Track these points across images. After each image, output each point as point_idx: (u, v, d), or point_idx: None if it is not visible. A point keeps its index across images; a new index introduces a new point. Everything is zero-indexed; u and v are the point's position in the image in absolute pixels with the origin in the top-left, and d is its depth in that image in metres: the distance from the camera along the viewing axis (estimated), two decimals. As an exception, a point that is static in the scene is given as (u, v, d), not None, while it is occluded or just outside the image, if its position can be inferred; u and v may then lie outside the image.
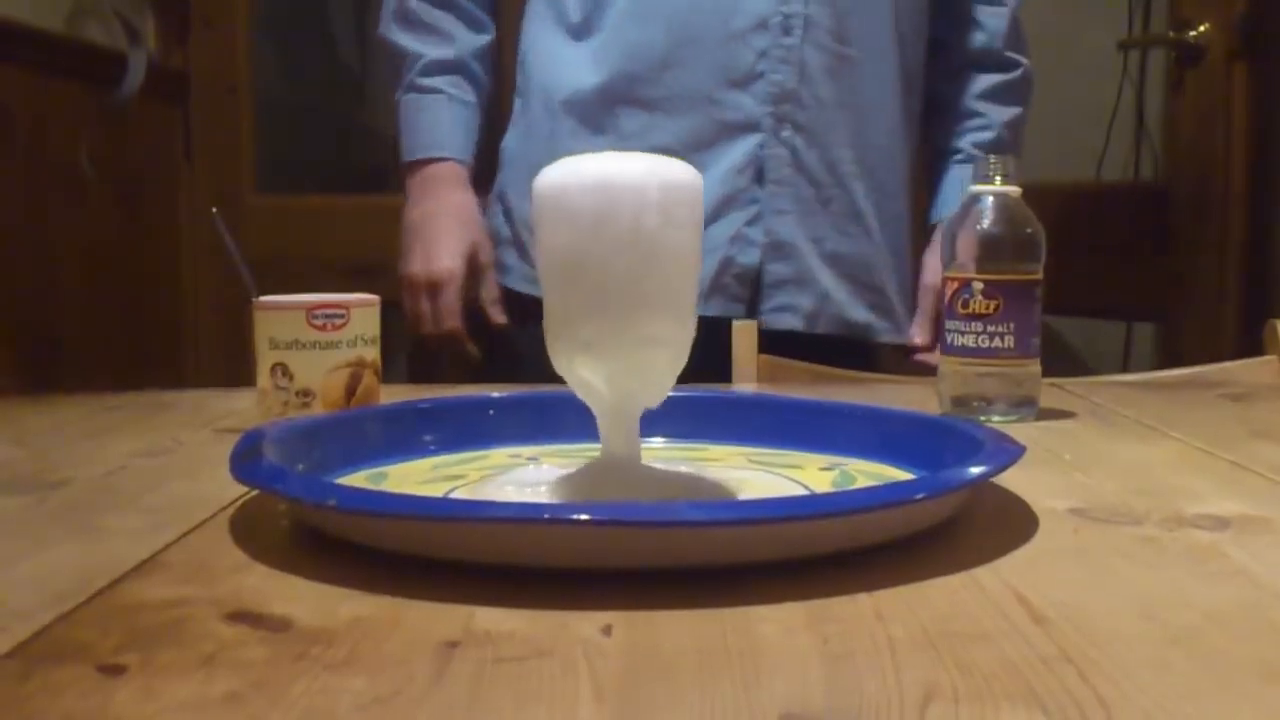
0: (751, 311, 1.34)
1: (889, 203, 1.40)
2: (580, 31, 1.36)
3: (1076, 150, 2.40)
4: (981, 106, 1.48)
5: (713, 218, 1.30)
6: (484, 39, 1.47)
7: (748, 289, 1.34)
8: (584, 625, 0.47)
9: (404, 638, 0.46)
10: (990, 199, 0.96)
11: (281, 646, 0.45)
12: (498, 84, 1.52)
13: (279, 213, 2.27)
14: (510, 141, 1.45)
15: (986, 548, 0.57)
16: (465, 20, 1.45)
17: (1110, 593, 0.52)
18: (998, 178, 0.96)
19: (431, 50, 1.43)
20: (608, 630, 0.46)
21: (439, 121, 1.42)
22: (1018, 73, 1.50)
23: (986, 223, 0.95)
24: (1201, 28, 2.08)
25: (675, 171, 0.64)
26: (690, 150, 1.29)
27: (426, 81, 1.43)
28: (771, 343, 1.28)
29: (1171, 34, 2.16)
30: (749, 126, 1.32)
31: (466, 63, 1.44)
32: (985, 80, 1.49)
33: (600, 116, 1.34)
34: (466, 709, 0.40)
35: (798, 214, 1.33)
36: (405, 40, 1.44)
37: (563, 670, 0.42)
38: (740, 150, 1.32)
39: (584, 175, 0.64)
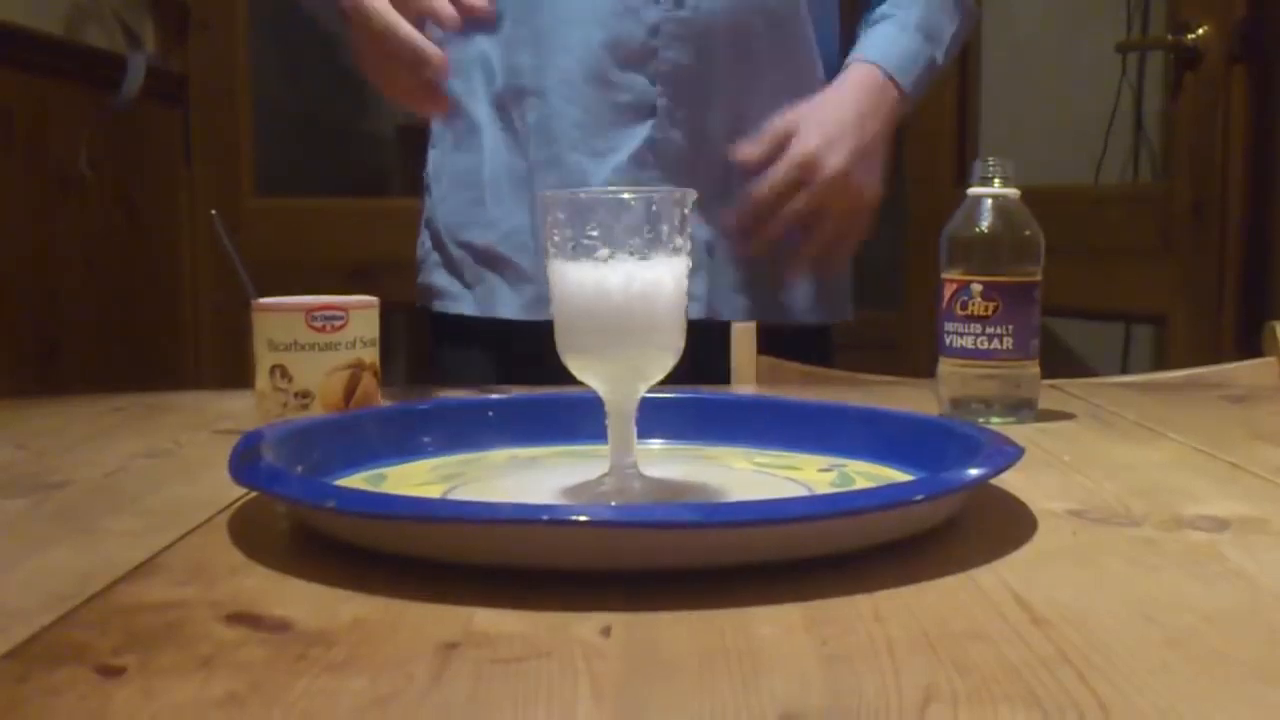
0: None
1: None
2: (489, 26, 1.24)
3: (1075, 153, 2.40)
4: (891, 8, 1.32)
5: None
6: None
7: None
8: (583, 626, 0.47)
9: (403, 639, 0.46)
10: (989, 201, 0.96)
11: (280, 648, 0.45)
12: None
13: (278, 215, 2.27)
14: (436, 159, 1.35)
15: (985, 549, 0.57)
16: None
17: (1109, 594, 0.52)
18: (996, 180, 0.96)
19: None
20: (606, 631, 0.46)
21: None
22: None
23: (985, 225, 0.95)
24: (1200, 30, 2.09)
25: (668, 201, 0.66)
26: (588, 137, 1.22)
27: None
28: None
29: (1170, 37, 2.16)
30: (644, 110, 1.23)
31: None
32: None
33: (510, 110, 1.26)
34: (466, 710, 0.40)
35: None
36: None
37: (561, 671, 0.42)
38: (638, 137, 1.23)
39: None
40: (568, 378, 0.69)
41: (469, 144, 1.29)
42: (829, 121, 1.21)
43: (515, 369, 1.12)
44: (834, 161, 1.20)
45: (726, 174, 1.25)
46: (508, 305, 1.27)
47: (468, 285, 1.30)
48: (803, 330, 1.33)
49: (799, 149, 1.19)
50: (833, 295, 1.35)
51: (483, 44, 1.23)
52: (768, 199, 1.20)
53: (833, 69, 1.35)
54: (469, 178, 1.29)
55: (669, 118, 1.23)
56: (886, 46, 1.27)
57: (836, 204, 1.22)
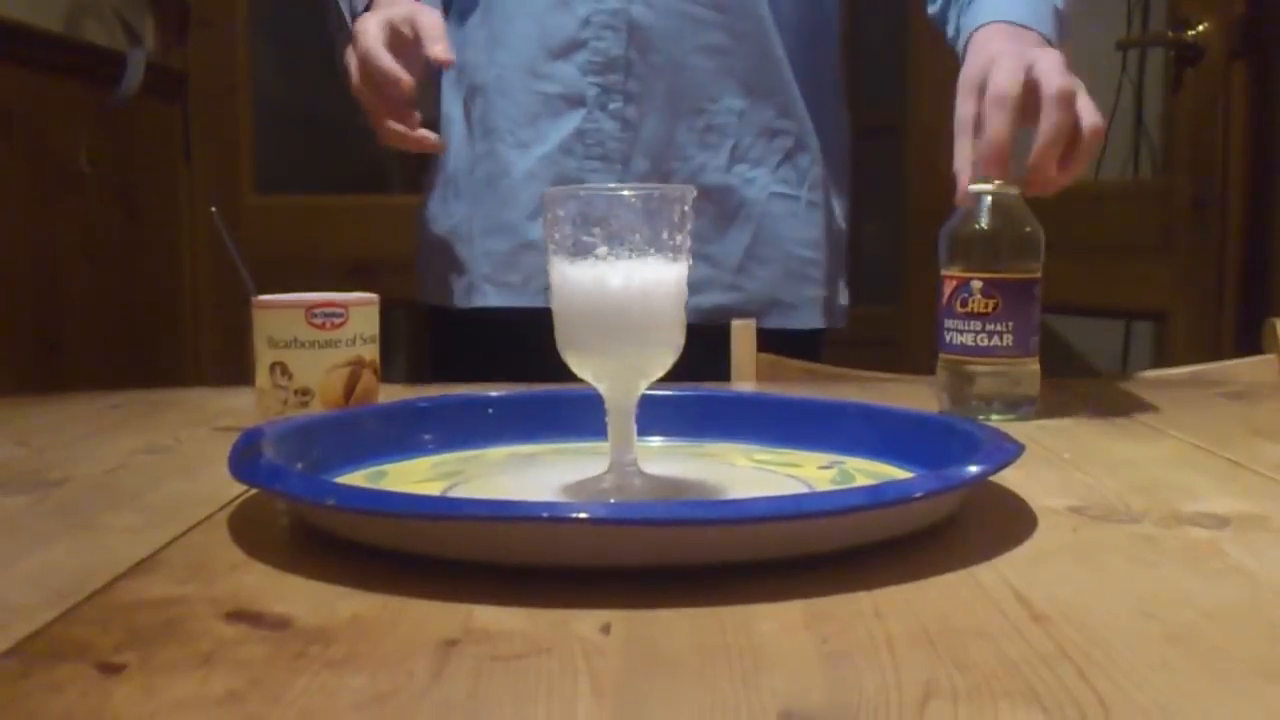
0: None
1: (761, 173, 1.28)
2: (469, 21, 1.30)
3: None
4: None
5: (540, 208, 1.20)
6: None
7: None
8: (583, 624, 0.47)
9: (403, 636, 0.46)
10: (989, 198, 0.96)
11: (280, 645, 0.45)
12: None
13: (278, 212, 2.27)
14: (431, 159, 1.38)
15: (985, 546, 0.57)
16: None
17: (1109, 591, 0.52)
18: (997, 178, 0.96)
19: None
20: (606, 629, 0.46)
21: None
22: None
23: (985, 222, 0.95)
24: (1200, 27, 2.08)
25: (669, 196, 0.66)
26: (517, 129, 1.25)
27: None
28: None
29: (1170, 33, 2.16)
30: (574, 100, 1.24)
31: None
32: None
33: (468, 106, 1.30)
34: (465, 707, 0.40)
35: None
36: None
37: (561, 668, 0.42)
38: (566, 127, 1.24)
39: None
40: (565, 374, 0.69)
41: (446, 141, 1.33)
42: (1018, 55, 0.96)
43: (512, 364, 1.12)
44: (1067, 82, 0.94)
45: (662, 163, 1.26)
46: (453, 294, 1.31)
47: (435, 276, 1.34)
48: (785, 335, 1.32)
49: (1050, 88, 0.93)
50: (816, 304, 1.34)
51: (457, 45, 1.25)
52: (1053, 145, 0.93)
53: (832, 66, 1.36)
54: (441, 173, 1.35)
55: (600, 107, 1.24)
56: (1002, 8, 1.10)
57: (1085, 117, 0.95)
